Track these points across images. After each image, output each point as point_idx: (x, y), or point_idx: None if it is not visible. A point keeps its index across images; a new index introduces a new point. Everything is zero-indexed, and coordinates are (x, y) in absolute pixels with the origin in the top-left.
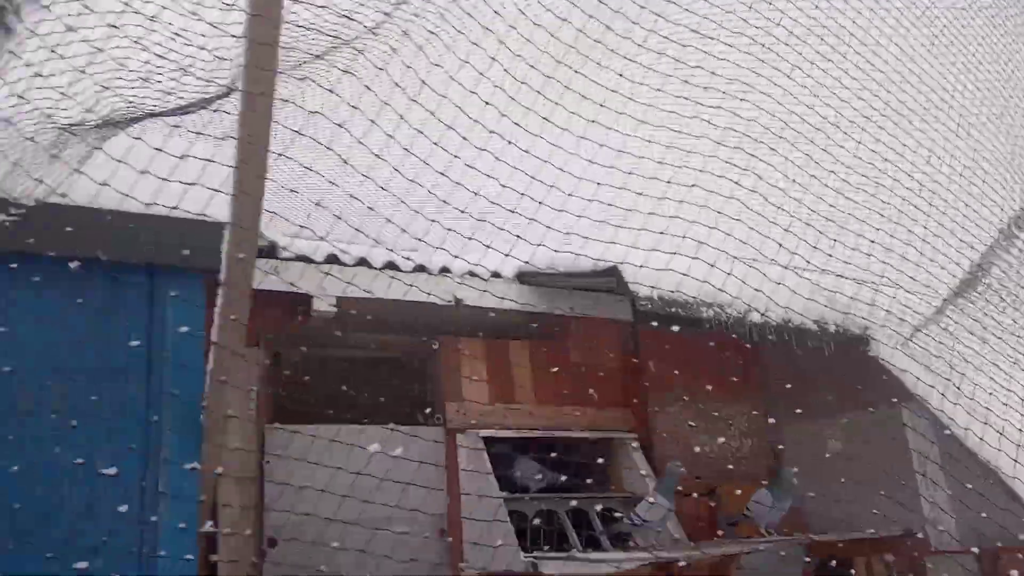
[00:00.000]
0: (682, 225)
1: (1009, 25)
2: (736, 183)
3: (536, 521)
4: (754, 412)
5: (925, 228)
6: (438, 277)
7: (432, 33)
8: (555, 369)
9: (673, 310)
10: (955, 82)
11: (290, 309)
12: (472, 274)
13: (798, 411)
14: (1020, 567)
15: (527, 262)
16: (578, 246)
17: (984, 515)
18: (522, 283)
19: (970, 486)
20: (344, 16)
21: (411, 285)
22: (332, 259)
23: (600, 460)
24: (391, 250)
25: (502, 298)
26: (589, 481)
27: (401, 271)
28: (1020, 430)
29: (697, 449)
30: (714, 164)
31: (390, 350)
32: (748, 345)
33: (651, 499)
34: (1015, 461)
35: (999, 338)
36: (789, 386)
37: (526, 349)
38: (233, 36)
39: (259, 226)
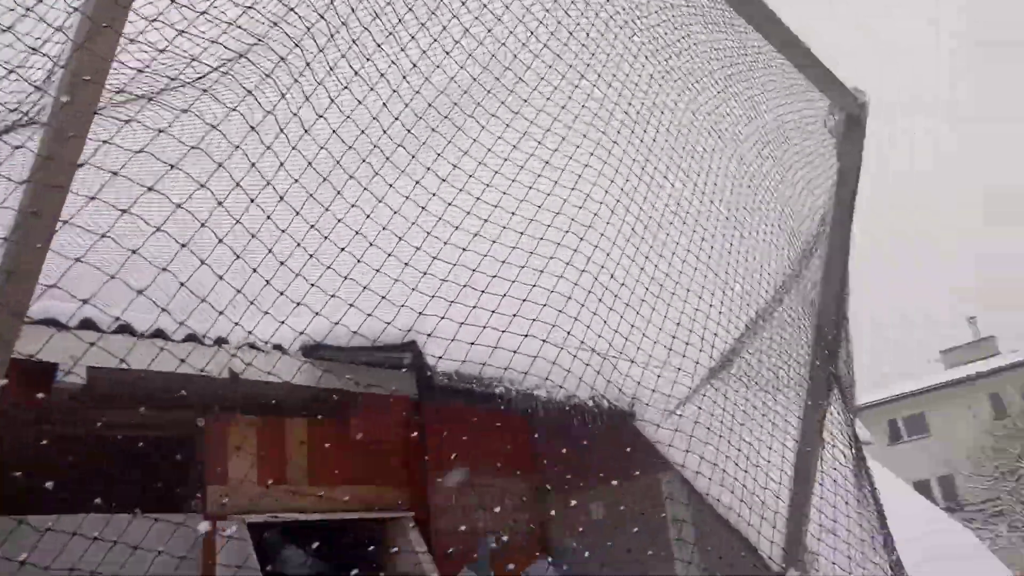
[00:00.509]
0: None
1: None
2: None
3: None
4: (530, 484)
5: (687, 311)
6: (213, 348)
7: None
8: (333, 447)
9: (470, 386)
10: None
11: (27, 381)
12: (252, 346)
13: (569, 480)
14: None
15: (314, 338)
16: (378, 314)
17: None
18: (307, 356)
19: (720, 556)
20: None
21: (182, 359)
22: (87, 324)
23: (371, 545)
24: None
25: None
26: (362, 565)
27: (170, 339)
28: (763, 502)
29: (475, 523)
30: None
31: (150, 428)
32: (528, 420)
33: None
34: (759, 532)
35: (748, 415)
36: (563, 458)
37: (303, 427)
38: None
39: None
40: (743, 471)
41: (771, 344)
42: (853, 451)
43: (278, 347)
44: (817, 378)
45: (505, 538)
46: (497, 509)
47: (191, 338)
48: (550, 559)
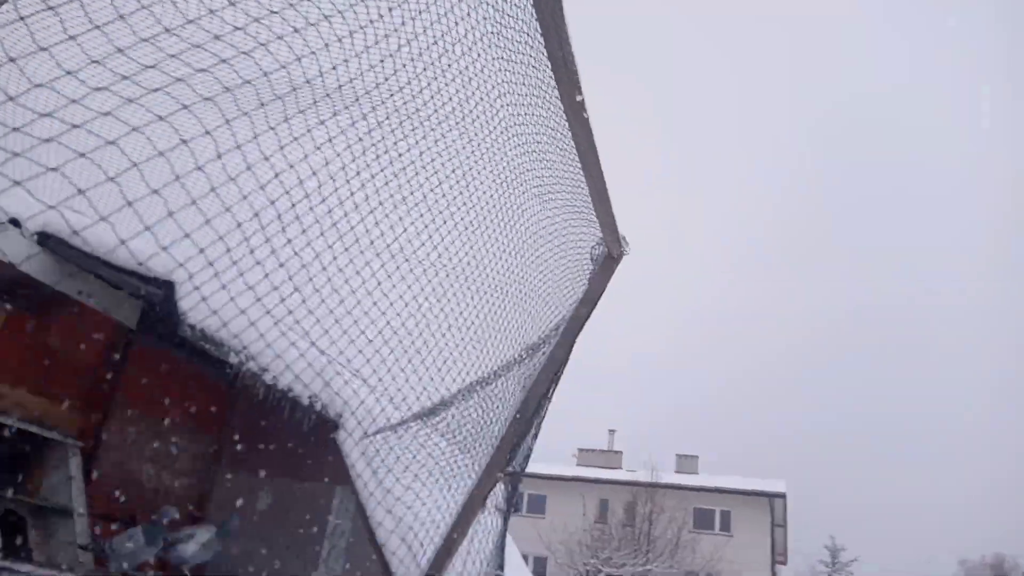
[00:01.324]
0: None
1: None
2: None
3: None
4: (213, 455)
5: (422, 349)
6: None
7: None
8: (23, 344)
9: (208, 345)
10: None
11: None
12: None
13: (252, 464)
14: None
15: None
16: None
17: None
18: (43, 245)
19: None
20: None
21: None
22: None
23: (25, 463)
24: None
25: None
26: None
27: None
28: (415, 538)
29: (143, 474)
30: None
31: None
32: (236, 394)
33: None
34: (404, 563)
35: (434, 461)
36: (255, 441)
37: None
38: None
39: None
40: (410, 507)
41: (478, 410)
42: (503, 520)
43: (14, 222)
44: (500, 455)
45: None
46: (173, 466)
47: None
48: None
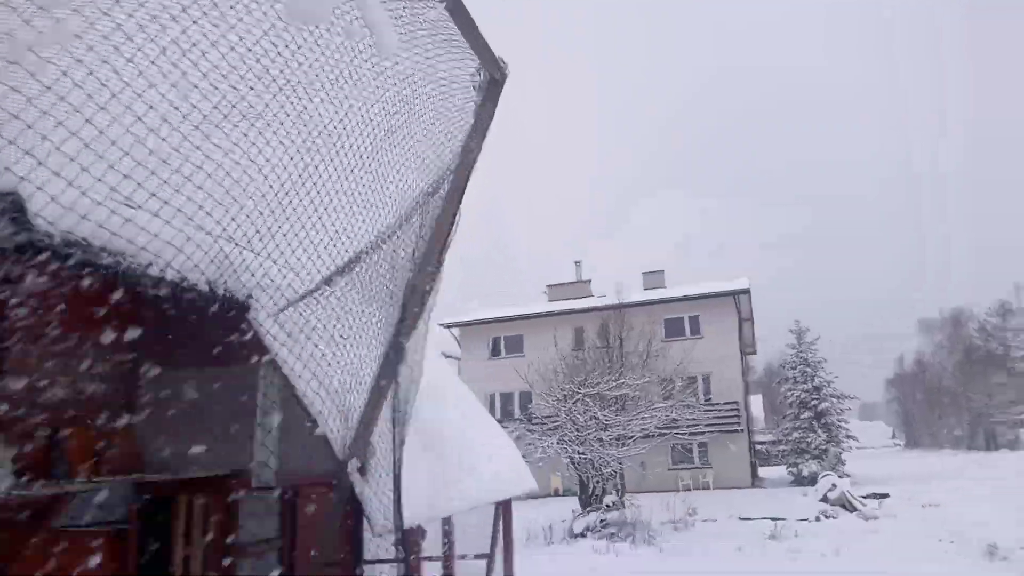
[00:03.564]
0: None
1: None
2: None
3: None
4: (115, 354)
5: (314, 214)
6: None
7: None
8: None
9: (73, 251)
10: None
11: None
12: None
13: (164, 358)
14: (316, 500)
15: None
16: None
17: (306, 459)
18: None
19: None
20: None
21: None
22: None
23: None
24: None
25: None
26: None
27: None
28: (343, 400)
29: (49, 387)
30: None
31: None
32: (129, 295)
33: None
34: (336, 428)
35: (351, 322)
36: (164, 334)
37: None
38: None
39: None
40: (335, 372)
41: (386, 261)
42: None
43: None
44: (412, 299)
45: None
46: (72, 381)
47: None
48: None
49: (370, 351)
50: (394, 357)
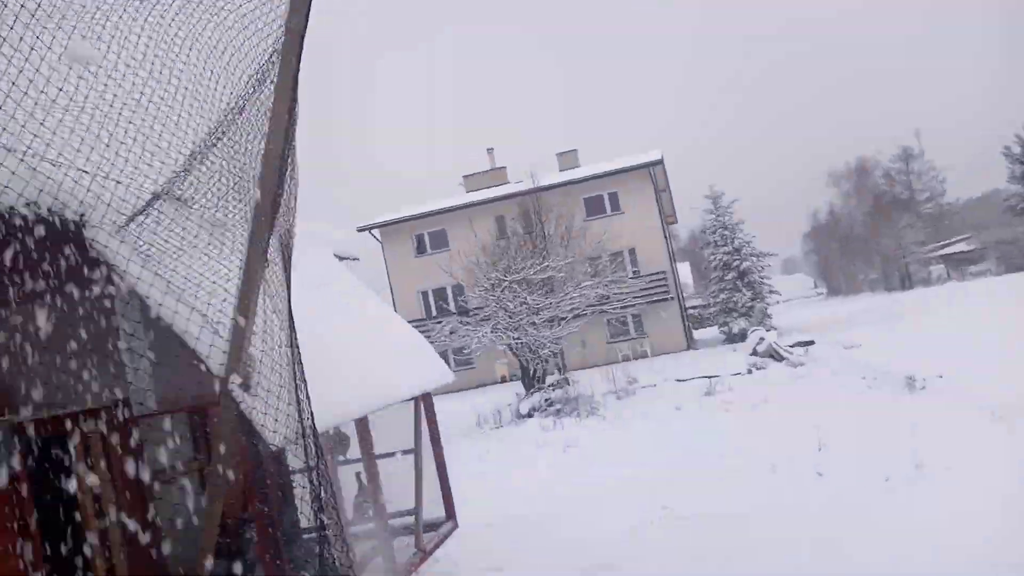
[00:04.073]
0: None
1: None
2: None
3: None
4: None
5: (140, 125)
6: None
7: None
8: None
9: None
10: None
11: None
12: None
13: (12, 295)
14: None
15: None
16: None
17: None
18: None
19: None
20: None
21: None
22: None
23: None
24: None
25: None
26: None
27: None
28: (206, 315)
29: None
30: None
31: None
32: None
33: None
34: (208, 344)
35: (201, 233)
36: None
37: None
38: None
39: None
40: (194, 286)
41: (226, 159)
42: (285, 272)
43: None
44: (265, 200)
45: None
46: None
47: None
48: None
49: (231, 257)
50: (256, 260)
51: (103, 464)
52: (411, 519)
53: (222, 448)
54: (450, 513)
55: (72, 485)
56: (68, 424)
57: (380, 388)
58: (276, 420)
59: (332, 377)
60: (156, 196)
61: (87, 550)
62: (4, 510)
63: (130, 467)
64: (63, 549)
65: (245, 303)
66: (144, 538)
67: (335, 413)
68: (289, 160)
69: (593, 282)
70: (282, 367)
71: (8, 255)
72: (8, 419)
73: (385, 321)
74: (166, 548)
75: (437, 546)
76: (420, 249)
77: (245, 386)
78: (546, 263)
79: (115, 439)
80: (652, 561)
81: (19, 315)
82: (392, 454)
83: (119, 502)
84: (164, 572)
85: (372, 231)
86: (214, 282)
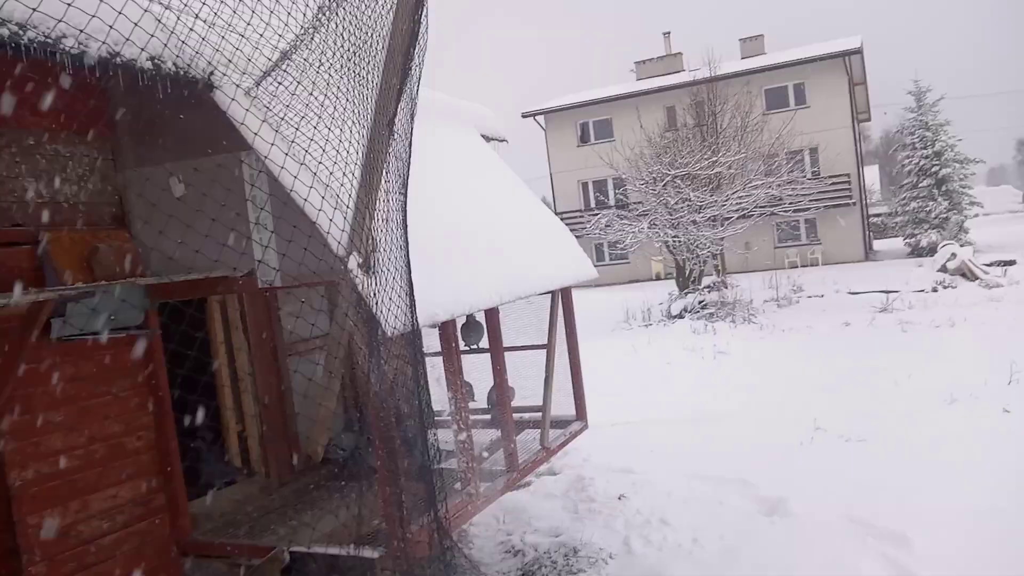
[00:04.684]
0: None
1: None
2: None
3: None
4: (96, 155)
5: None
6: None
7: None
8: None
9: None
10: None
11: None
12: None
13: (145, 153)
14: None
15: None
16: None
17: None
18: None
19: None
20: None
21: None
22: None
23: None
24: None
25: None
26: None
27: None
28: (329, 187)
29: (26, 193)
30: None
31: None
32: (100, 81)
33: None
34: (329, 219)
35: (327, 97)
36: (138, 128)
37: None
38: None
39: None
40: (318, 156)
41: (351, 21)
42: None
43: None
44: (391, 59)
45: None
46: (56, 184)
47: None
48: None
49: (355, 127)
50: (383, 131)
51: (240, 329)
52: (540, 415)
53: (339, 327)
54: (581, 413)
55: (207, 352)
56: (192, 289)
57: (516, 279)
58: (390, 305)
59: (462, 265)
60: (284, 56)
61: (223, 416)
62: (141, 372)
63: (265, 335)
64: (198, 417)
65: (369, 178)
66: (275, 407)
67: (466, 302)
68: (422, 19)
69: (766, 182)
70: (398, 250)
71: (142, 115)
72: (146, 280)
73: (529, 209)
74: (298, 422)
75: (562, 446)
76: (584, 138)
77: (365, 266)
78: (715, 158)
79: (251, 306)
80: (793, 484)
81: (151, 176)
82: (523, 347)
83: (254, 370)
84: (295, 441)
85: (536, 117)
86: (337, 152)
